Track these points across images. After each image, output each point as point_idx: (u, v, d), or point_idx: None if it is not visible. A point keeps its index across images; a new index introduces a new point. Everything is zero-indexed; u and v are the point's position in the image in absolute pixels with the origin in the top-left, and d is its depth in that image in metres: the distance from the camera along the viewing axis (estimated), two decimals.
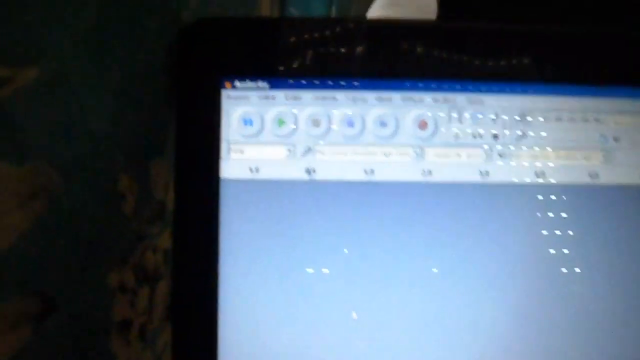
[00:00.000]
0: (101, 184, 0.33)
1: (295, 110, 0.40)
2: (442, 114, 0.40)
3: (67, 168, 0.27)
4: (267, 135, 0.40)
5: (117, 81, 0.32)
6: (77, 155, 0.28)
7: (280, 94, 0.40)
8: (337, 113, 0.40)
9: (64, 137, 0.26)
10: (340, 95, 0.40)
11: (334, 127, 0.40)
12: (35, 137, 0.24)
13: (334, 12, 1.00)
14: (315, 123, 0.40)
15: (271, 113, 0.40)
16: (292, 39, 0.40)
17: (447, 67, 0.40)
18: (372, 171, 0.40)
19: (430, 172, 0.40)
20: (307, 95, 0.40)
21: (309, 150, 0.40)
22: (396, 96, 0.40)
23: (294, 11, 0.98)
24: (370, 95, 0.40)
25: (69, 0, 0.24)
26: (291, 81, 0.40)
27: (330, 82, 0.40)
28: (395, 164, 0.40)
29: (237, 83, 0.40)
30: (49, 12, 0.23)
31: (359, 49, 0.40)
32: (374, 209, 0.40)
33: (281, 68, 0.40)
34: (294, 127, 0.40)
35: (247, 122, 0.40)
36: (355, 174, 0.40)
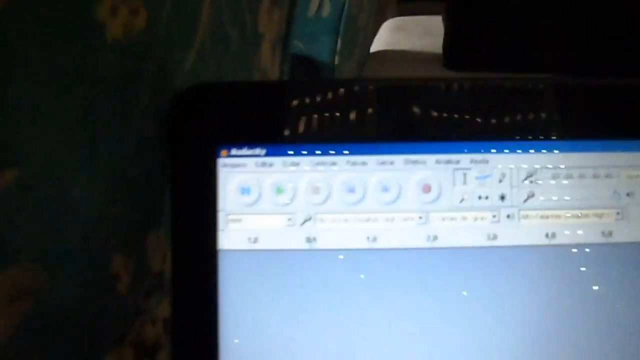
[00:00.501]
0: (93, 270, 0.32)
1: (294, 178, 0.39)
2: (446, 176, 0.38)
3: (55, 263, 0.26)
4: (265, 203, 0.39)
5: (107, 164, 0.31)
6: (65, 248, 0.26)
7: (278, 161, 0.39)
8: (337, 179, 0.39)
9: (51, 232, 0.25)
10: (340, 160, 0.39)
11: (334, 193, 0.39)
12: (19, 239, 0.22)
13: (339, 44, 0.99)
14: (315, 190, 0.39)
15: (269, 181, 0.39)
16: (290, 104, 0.39)
17: (450, 127, 0.39)
18: (375, 238, 0.38)
19: (435, 238, 0.38)
20: (306, 161, 0.39)
21: (309, 218, 0.39)
22: (398, 159, 0.38)
23: (298, 44, 0.97)
24: (371, 159, 0.38)
25: (52, 90, 0.22)
26: (289, 147, 0.39)
27: (329, 147, 0.39)
28: (398, 230, 0.38)
29: (234, 150, 0.39)
30: (31, 107, 0.21)
31: (358, 112, 0.39)
32: (377, 276, 0.38)
33: (278, 134, 0.39)
34: (293, 194, 0.39)
35: (245, 190, 0.39)
36: (357, 242, 0.38)
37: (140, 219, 0.38)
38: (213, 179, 0.39)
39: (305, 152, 0.39)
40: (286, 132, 0.39)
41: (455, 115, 0.39)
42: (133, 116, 0.35)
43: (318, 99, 0.39)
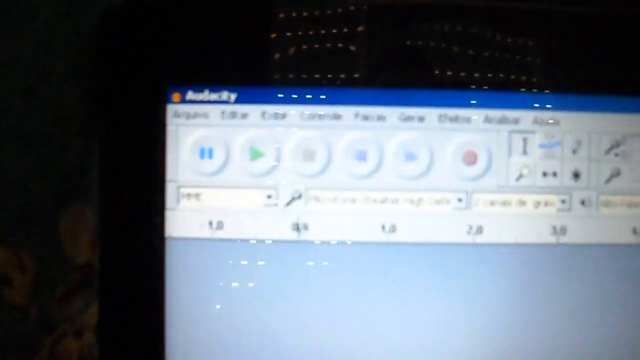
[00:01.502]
0: None
1: (277, 135, 0.26)
2: (498, 142, 0.26)
3: None
4: (235, 172, 0.26)
5: None
6: None
7: (254, 110, 0.26)
8: (342, 139, 0.26)
9: None
10: (346, 112, 0.26)
11: (337, 160, 0.26)
12: None
13: None
14: (308, 155, 0.26)
15: (241, 139, 0.26)
16: (273, 25, 0.26)
17: (506, 70, 0.26)
18: (394, 227, 0.26)
19: (480, 230, 0.26)
20: (295, 111, 0.26)
21: (297, 196, 0.26)
22: (430, 114, 0.26)
23: None
24: (390, 113, 0.26)
25: None
26: (271, 90, 0.26)
27: (330, 92, 0.26)
28: (427, 217, 0.26)
29: (190, 93, 0.26)
30: None
31: (371, 41, 0.26)
32: (396, 282, 0.26)
33: (255, 71, 0.26)
34: (276, 160, 0.26)
35: (205, 152, 0.27)
36: (368, 232, 0.26)
37: (50, 192, 0.26)
38: (159, 134, 0.26)
39: (294, 98, 0.26)
40: (267, 69, 0.26)
41: (514, 54, 0.27)
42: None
43: (313, 18, 0.26)
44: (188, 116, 0.27)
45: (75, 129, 0.26)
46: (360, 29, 0.27)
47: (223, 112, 0.27)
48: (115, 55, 0.27)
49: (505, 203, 0.27)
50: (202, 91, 0.27)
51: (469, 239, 0.26)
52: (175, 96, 0.27)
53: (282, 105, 0.26)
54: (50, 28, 0.25)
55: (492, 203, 0.27)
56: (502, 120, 0.27)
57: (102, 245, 0.27)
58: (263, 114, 0.26)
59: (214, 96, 0.27)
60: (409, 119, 0.26)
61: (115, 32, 0.27)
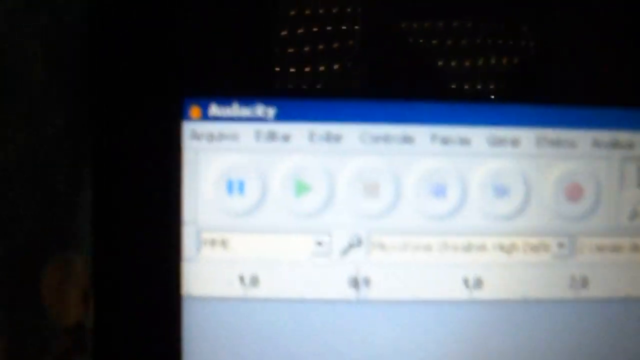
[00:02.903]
0: None
1: (330, 163, 0.20)
2: (609, 171, 0.21)
3: None
4: (274, 212, 0.20)
5: None
6: None
7: (299, 130, 0.20)
8: (414, 169, 0.20)
9: None
10: (421, 133, 0.20)
11: (408, 196, 0.20)
12: None
13: None
14: (371, 189, 0.20)
15: (282, 168, 0.20)
16: (327, 19, 0.20)
17: (618, 84, 0.21)
18: (479, 281, 0.20)
19: (585, 282, 0.21)
20: (354, 132, 0.20)
21: (357, 242, 0.20)
22: (527, 136, 0.20)
23: None
24: (477, 134, 0.20)
25: None
26: (322, 104, 0.20)
27: (399, 107, 0.20)
28: (521, 267, 0.20)
29: (215, 108, 0.20)
30: None
31: (457, 50, 0.20)
32: (482, 349, 0.21)
33: (302, 79, 0.20)
34: (327, 197, 0.20)
35: (235, 186, 0.20)
36: (448, 288, 0.20)
37: (29, 237, 0.19)
38: (173, 162, 0.20)
39: (353, 114, 0.20)
40: (316, 75, 0.20)
41: (629, 65, 0.21)
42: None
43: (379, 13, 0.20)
44: (211, 138, 0.20)
45: (60, 156, 0.19)
46: (437, 33, 0.20)
47: (258, 133, 0.20)
48: (111, 57, 0.20)
49: (615, 249, 0.21)
50: (229, 104, 0.20)
51: (571, 293, 0.21)
52: (194, 111, 0.20)
53: (336, 124, 0.20)
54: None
55: (600, 249, 0.21)
56: (614, 145, 0.21)
57: (97, 303, 0.21)
58: (311, 135, 0.20)
59: (245, 111, 0.20)
60: (499, 142, 0.20)
61: (111, 25, 0.20)
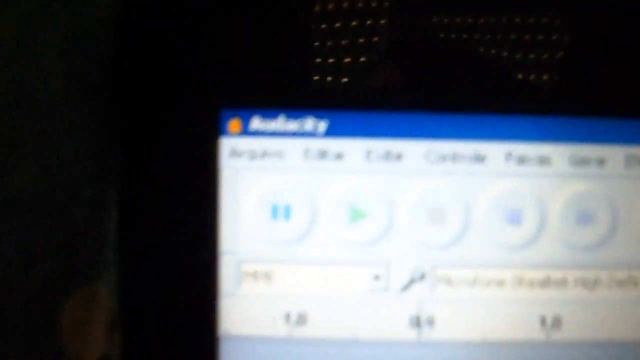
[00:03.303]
0: None
1: (389, 186, 0.17)
2: None
3: None
4: (324, 241, 0.18)
5: None
6: None
7: (355, 147, 0.17)
8: (486, 192, 0.18)
9: None
10: (494, 151, 0.17)
11: (478, 223, 0.18)
12: None
13: None
14: (436, 216, 0.18)
15: (334, 191, 0.17)
16: (387, 17, 0.17)
17: None
18: (558, 321, 0.18)
19: None
20: (418, 149, 0.17)
21: (420, 276, 0.18)
22: (615, 154, 0.18)
23: None
24: (559, 152, 0.17)
25: None
26: (382, 117, 0.17)
27: (471, 122, 0.17)
28: (606, 304, 0.18)
29: (257, 121, 0.17)
30: None
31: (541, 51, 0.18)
32: None
33: (358, 88, 0.17)
34: (386, 224, 0.17)
35: (280, 210, 0.18)
36: (522, 328, 0.18)
37: (46, 270, 0.16)
38: (209, 183, 0.17)
39: (416, 129, 0.17)
40: (375, 84, 0.17)
41: None
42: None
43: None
44: (253, 155, 0.18)
45: (82, 178, 0.17)
46: (510, 43, 0.18)
47: (307, 150, 0.18)
48: (138, 63, 0.17)
49: None
50: (274, 117, 0.17)
51: None
52: (233, 125, 0.18)
53: (397, 140, 0.17)
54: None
55: None
56: None
57: (123, 342, 0.18)
58: (368, 153, 0.17)
59: (292, 125, 0.17)
60: (583, 161, 0.18)
61: (138, 26, 0.17)
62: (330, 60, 0.18)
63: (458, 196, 0.18)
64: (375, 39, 0.18)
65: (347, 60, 0.18)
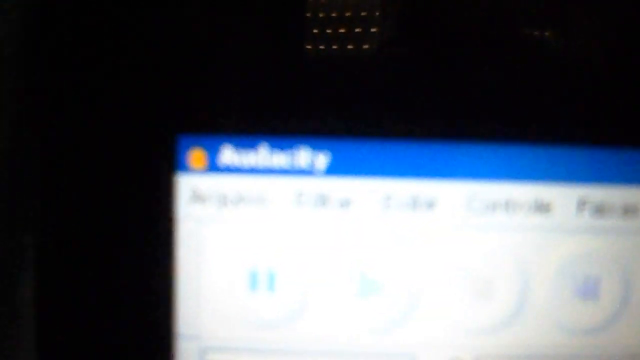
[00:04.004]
0: None
1: (417, 245, 0.12)
2: None
3: None
4: (322, 321, 0.12)
5: None
6: None
7: (366, 191, 0.12)
8: (552, 255, 0.12)
9: None
10: (564, 197, 0.12)
11: (536, 297, 0.12)
12: None
13: None
14: (481, 287, 0.12)
15: (338, 252, 0.12)
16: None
17: None
18: None
19: None
20: (455, 192, 0.12)
21: None
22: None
23: None
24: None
25: None
26: (405, 149, 0.12)
27: (530, 152, 0.12)
28: None
29: (229, 152, 0.12)
30: None
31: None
32: None
33: (371, 107, 0.12)
34: (410, 300, 0.12)
35: (262, 279, 0.12)
36: None
37: None
38: (163, 239, 0.12)
39: (455, 168, 0.12)
40: (392, 106, 0.12)
41: None
42: None
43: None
44: (223, 201, 0.12)
45: None
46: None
47: (300, 195, 0.12)
48: (58, 65, 0.12)
49: None
50: (253, 147, 0.12)
51: None
52: (196, 157, 0.12)
53: (428, 181, 0.12)
54: None
55: None
56: None
57: None
58: (386, 199, 0.12)
59: (279, 159, 0.12)
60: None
61: (58, 19, 0.12)
62: (327, 66, 0.13)
63: (512, 260, 0.13)
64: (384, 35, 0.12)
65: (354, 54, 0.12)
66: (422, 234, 0.12)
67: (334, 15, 0.13)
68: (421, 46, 0.13)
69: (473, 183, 0.12)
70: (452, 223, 0.12)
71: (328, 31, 0.12)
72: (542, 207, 0.12)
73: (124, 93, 0.12)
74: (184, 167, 0.12)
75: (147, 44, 0.12)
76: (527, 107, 0.12)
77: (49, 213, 0.13)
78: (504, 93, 0.12)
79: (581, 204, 0.13)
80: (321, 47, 0.12)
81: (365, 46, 0.13)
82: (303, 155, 0.12)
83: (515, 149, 0.12)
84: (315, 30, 0.12)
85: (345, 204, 0.12)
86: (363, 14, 0.13)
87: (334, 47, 0.12)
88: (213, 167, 0.12)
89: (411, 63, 0.13)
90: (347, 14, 0.13)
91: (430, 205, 0.12)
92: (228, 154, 0.12)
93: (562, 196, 0.13)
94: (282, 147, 0.12)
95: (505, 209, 0.12)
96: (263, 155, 0.12)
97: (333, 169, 0.12)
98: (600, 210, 0.13)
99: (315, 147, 0.12)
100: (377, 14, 0.13)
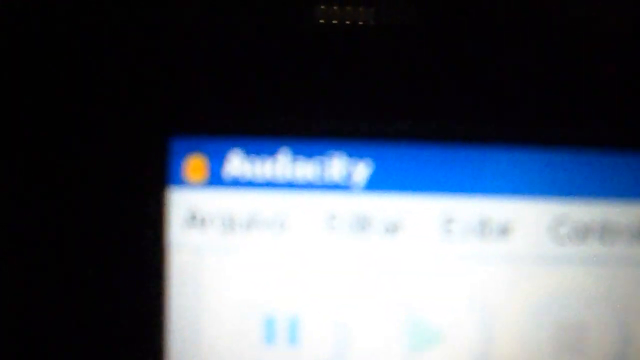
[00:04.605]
0: None
1: (495, 279, 0.09)
2: None
3: None
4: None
5: None
6: None
7: (417, 211, 0.09)
8: None
9: None
10: None
11: None
12: None
13: None
14: (571, 332, 0.09)
15: (382, 291, 0.09)
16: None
17: None
18: None
19: None
20: (534, 215, 0.09)
21: None
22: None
23: None
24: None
25: None
26: (468, 156, 0.09)
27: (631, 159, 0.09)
28: None
29: (237, 160, 0.09)
30: None
31: None
32: None
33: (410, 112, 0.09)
34: (480, 345, 0.09)
35: (281, 327, 0.09)
36: None
37: None
38: (151, 275, 0.09)
39: (540, 187, 0.09)
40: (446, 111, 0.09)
41: None
42: None
43: None
44: (230, 225, 0.09)
45: None
46: None
47: (332, 218, 0.09)
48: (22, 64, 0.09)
49: None
50: (271, 153, 0.09)
51: None
52: (194, 166, 0.09)
53: (501, 197, 0.09)
54: None
55: None
56: None
57: None
58: (446, 223, 0.09)
59: (305, 169, 0.09)
60: None
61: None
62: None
63: (612, 301, 0.10)
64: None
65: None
66: (494, 264, 0.09)
67: None
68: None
69: (558, 203, 0.09)
70: (533, 252, 0.09)
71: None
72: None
73: (103, 84, 0.09)
74: (179, 180, 0.09)
75: (128, 24, 0.09)
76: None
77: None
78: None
79: None
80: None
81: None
82: (337, 165, 0.09)
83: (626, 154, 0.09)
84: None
85: (392, 228, 0.09)
86: None
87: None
88: (217, 179, 0.09)
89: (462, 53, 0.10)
90: None
91: (504, 230, 0.09)
92: (237, 163, 0.09)
93: None
94: (309, 154, 0.09)
95: (600, 236, 0.09)
96: (284, 164, 0.09)
97: (376, 183, 0.09)
98: None
99: (353, 155, 0.09)
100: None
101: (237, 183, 0.09)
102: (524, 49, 0.09)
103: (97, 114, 0.09)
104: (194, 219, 0.09)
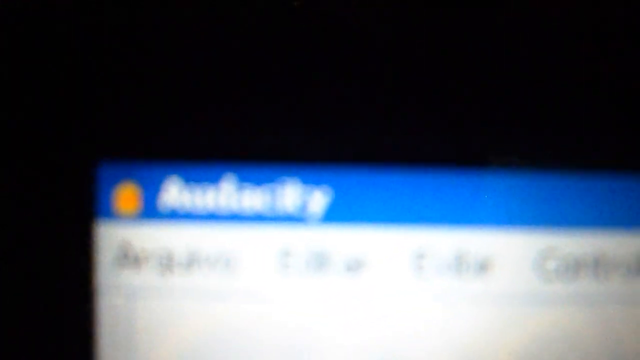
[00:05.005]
0: None
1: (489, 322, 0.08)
2: None
3: None
4: None
5: None
6: None
7: (393, 247, 0.07)
8: None
9: None
10: None
11: None
12: None
13: None
14: None
15: (343, 339, 0.08)
16: None
17: None
18: None
19: None
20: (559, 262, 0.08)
21: None
22: None
23: None
24: None
25: None
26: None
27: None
28: None
29: (175, 189, 0.07)
30: None
31: None
32: None
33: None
34: None
35: None
36: None
37: None
38: (78, 325, 0.07)
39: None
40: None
41: None
42: None
43: None
44: (168, 264, 0.08)
45: None
46: None
47: (286, 255, 0.08)
48: None
49: None
50: (213, 180, 0.08)
51: None
52: (125, 196, 0.08)
53: (478, 228, 0.08)
54: None
55: None
56: None
57: None
58: (419, 257, 0.08)
59: (253, 199, 0.08)
60: None
61: None
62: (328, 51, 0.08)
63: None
64: None
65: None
66: (472, 305, 0.08)
67: None
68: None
69: (545, 235, 0.08)
70: (516, 290, 0.08)
71: None
72: None
73: (22, 102, 0.08)
74: (109, 212, 0.08)
75: (55, 35, 0.08)
76: None
77: None
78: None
79: None
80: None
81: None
82: (290, 194, 0.08)
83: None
84: None
85: (354, 265, 0.08)
86: None
87: None
88: (152, 211, 0.08)
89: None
90: None
91: (483, 266, 0.08)
92: (175, 192, 0.08)
93: None
94: (257, 182, 0.08)
95: (593, 271, 0.08)
96: (228, 193, 0.08)
97: (335, 214, 0.08)
98: None
99: (309, 181, 0.08)
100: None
101: (176, 215, 0.08)
102: (504, 67, 0.08)
103: (14, 137, 0.08)
104: (126, 257, 0.08)
